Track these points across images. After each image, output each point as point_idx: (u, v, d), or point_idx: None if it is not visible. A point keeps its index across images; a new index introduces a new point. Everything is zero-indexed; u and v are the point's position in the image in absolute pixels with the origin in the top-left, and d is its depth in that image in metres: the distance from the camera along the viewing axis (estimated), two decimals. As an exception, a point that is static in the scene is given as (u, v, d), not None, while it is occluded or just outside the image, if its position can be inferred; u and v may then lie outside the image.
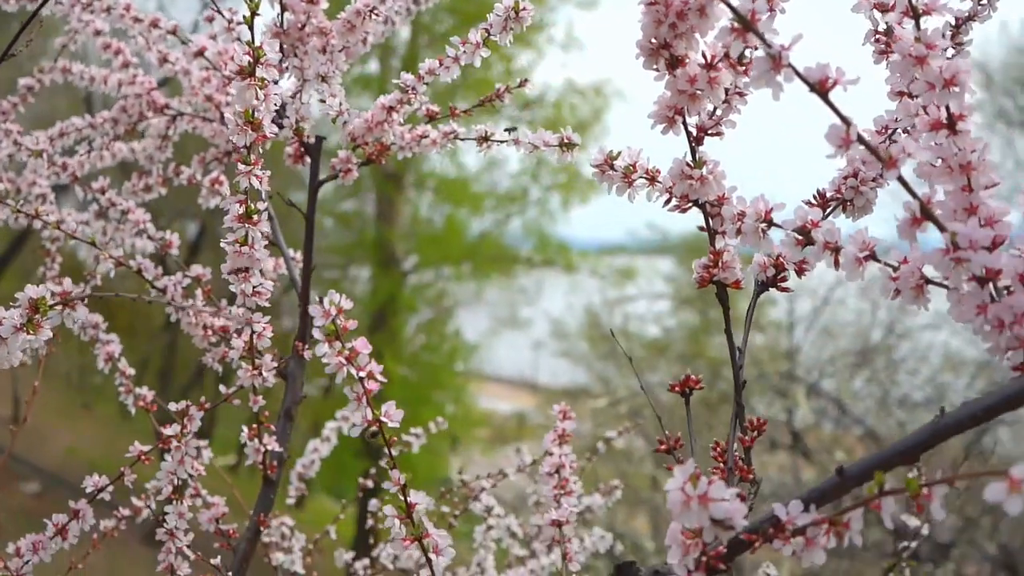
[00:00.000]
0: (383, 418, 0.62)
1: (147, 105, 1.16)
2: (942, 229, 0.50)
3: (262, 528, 0.97)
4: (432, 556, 0.63)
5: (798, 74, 0.49)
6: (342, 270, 11.18)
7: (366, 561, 1.30)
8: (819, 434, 6.62)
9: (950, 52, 0.71)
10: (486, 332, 11.66)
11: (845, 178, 0.67)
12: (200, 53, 1.02)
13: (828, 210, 0.67)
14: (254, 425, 0.94)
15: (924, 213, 0.50)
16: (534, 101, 10.52)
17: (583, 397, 8.59)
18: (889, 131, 0.68)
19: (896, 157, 0.49)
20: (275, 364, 0.90)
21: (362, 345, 0.61)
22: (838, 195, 0.67)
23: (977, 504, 6.31)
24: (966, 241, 0.49)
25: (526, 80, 0.97)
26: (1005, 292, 0.51)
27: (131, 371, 1.07)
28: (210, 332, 1.00)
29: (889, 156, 0.49)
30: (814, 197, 0.67)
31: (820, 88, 0.49)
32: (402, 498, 0.63)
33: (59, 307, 0.64)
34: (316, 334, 0.60)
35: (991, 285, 0.51)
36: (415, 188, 11.76)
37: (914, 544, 1.04)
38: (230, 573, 0.91)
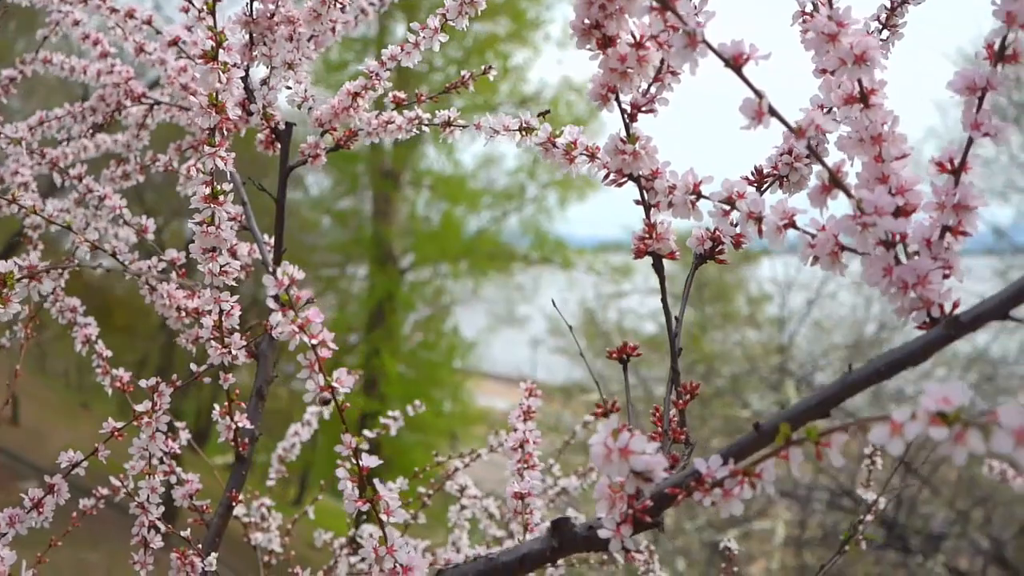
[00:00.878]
0: (335, 384, 0.64)
1: (125, 94, 1.19)
2: (850, 196, 0.53)
3: (234, 503, 1.00)
4: (383, 517, 0.66)
5: (713, 50, 0.52)
6: (340, 268, 11.22)
7: (342, 540, 1.34)
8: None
9: (885, 34, 0.74)
10: (483, 329, 11.69)
11: (781, 154, 0.70)
12: (174, 43, 1.05)
13: (765, 185, 0.70)
14: (225, 403, 0.97)
15: (833, 181, 0.53)
16: (531, 98, 10.55)
17: (579, 393, 8.61)
18: (825, 109, 0.71)
19: (805, 128, 0.52)
20: (244, 343, 0.92)
21: (314, 314, 0.64)
22: (775, 171, 0.70)
23: (968, 497, 6.35)
24: (871, 207, 0.52)
25: (490, 67, 0.99)
26: (916, 256, 0.54)
27: (108, 352, 1.10)
28: (183, 314, 1.03)
29: (799, 127, 0.52)
30: (751, 173, 0.70)
31: (734, 63, 0.52)
32: (354, 461, 0.66)
33: (26, 280, 0.67)
34: (270, 303, 0.63)
35: (898, 249, 0.54)
36: (412, 186, 11.79)
37: (869, 517, 1.07)
38: (200, 545, 0.94)
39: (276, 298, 0.63)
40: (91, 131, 1.19)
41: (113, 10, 1.10)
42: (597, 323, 9.94)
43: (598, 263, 10.58)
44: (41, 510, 0.92)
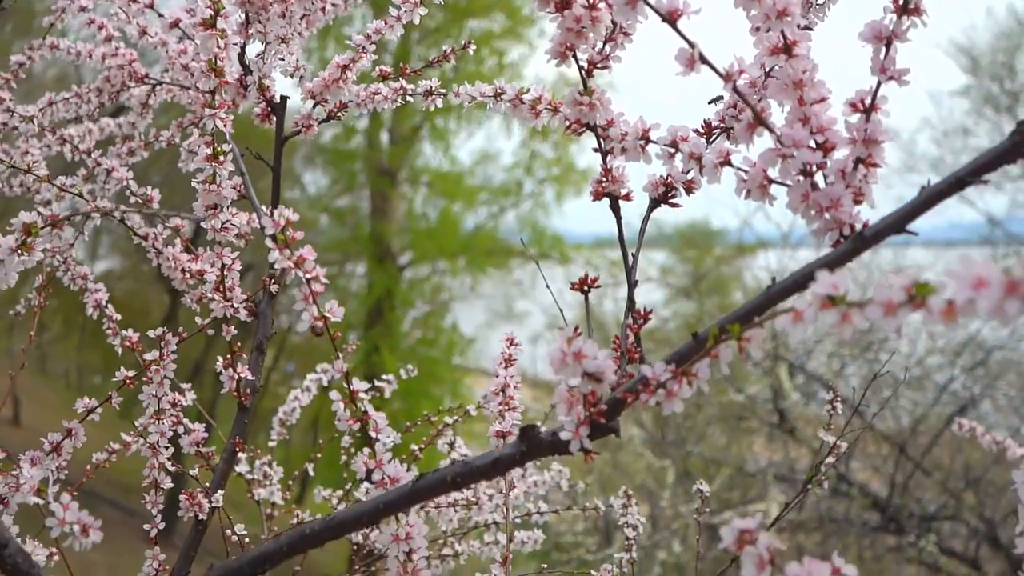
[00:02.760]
0: (327, 314, 0.72)
1: (129, 75, 1.27)
2: (772, 132, 0.60)
3: (238, 449, 1.07)
4: (373, 434, 0.74)
5: (650, 6, 0.59)
6: (339, 266, 11.29)
7: (340, 492, 1.41)
8: (807, 415, 6.74)
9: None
10: (482, 325, 11.76)
11: (727, 108, 0.78)
12: (175, 24, 1.13)
13: (713, 136, 0.78)
14: (228, 355, 1.05)
15: (757, 119, 0.61)
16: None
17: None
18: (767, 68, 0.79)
19: (731, 74, 0.60)
20: (245, 297, 1.00)
21: (308, 251, 0.72)
22: (722, 123, 0.78)
23: (961, 479, 6.44)
24: (790, 141, 0.60)
25: (470, 42, 1.07)
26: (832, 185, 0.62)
27: (118, 316, 1.17)
28: (188, 276, 1.10)
29: (727, 72, 0.60)
30: (701, 126, 0.78)
31: (670, 18, 0.60)
32: (346, 385, 0.74)
33: (48, 228, 0.74)
34: (268, 242, 0.70)
35: (818, 179, 0.61)
36: (409, 183, 11.86)
37: (831, 459, 1.14)
38: (208, 485, 1.02)
39: (274, 237, 0.70)
40: (97, 111, 1.26)
41: (118, -6, 1.18)
42: (594, 317, 10.01)
43: (596, 258, 10.65)
44: (60, 453, 0.99)
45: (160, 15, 1.17)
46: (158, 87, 1.28)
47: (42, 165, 1.34)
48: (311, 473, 1.53)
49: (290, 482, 1.45)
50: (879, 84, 0.61)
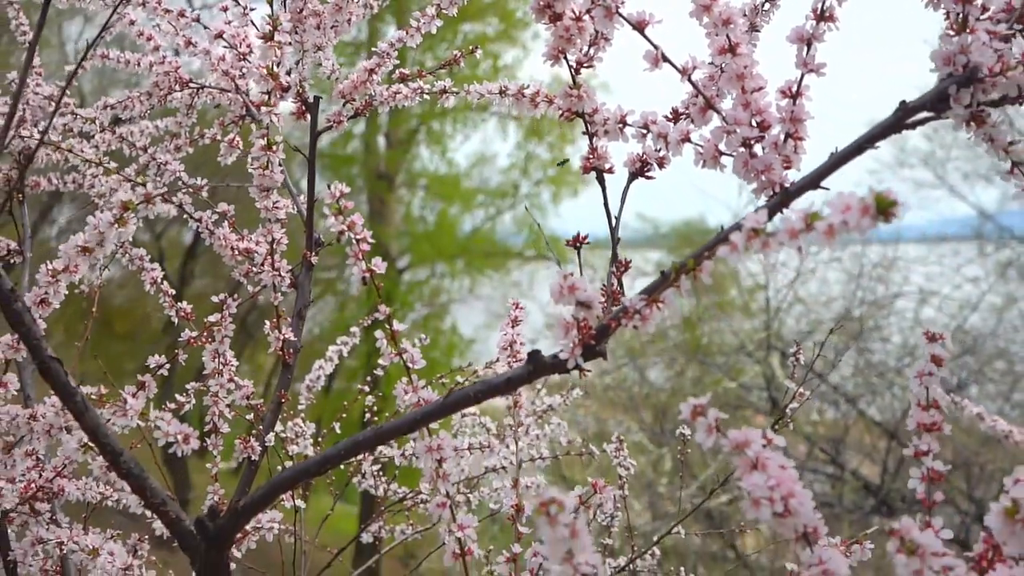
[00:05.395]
0: (373, 267, 0.90)
1: (174, 81, 1.44)
2: (719, 114, 0.78)
3: (282, 400, 1.25)
4: (409, 365, 0.91)
5: (624, 18, 0.77)
6: (338, 270, 11.46)
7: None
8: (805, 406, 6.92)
9: (767, 6, 0.99)
10: (481, 327, 11.93)
11: (688, 97, 0.95)
12: (219, 35, 1.30)
13: (680, 120, 0.95)
14: (274, 319, 1.22)
15: (707, 104, 0.79)
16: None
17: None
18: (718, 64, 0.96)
19: (687, 68, 0.78)
20: (290, 268, 1.18)
21: (358, 219, 0.89)
22: (686, 110, 0.95)
23: (949, 462, 6.62)
24: (734, 120, 0.78)
25: (476, 47, 1.25)
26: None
27: (172, 291, 1.35)
28: (236, 252, 1.28)
29: (684, 68, 0.78)
30: (670, 112, 0.96)
31: (639, 27, 0.78)
32: (388, 327, 0.91)
33: (143, 204, 0.92)
34: (325, 209, 0.88)
35: (755, 149, 0.79)
36: (407, 187, 12.04)
37: (795, 404, 1.31)
38: (262, 427, 1.19)
39: (330, 206, 0.88)
40: (149, 112, 1.44)
41: (167, 11, 1.35)
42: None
43: (593, 258, 10.81)
44: (138, 397, 1.16)
45: (205, 27, 1.35)
46: (201, 90, 1.45)
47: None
48: (338, 431, 1.71)
49: (320, 438, 1.63)
50: (802, 76, 0.79)
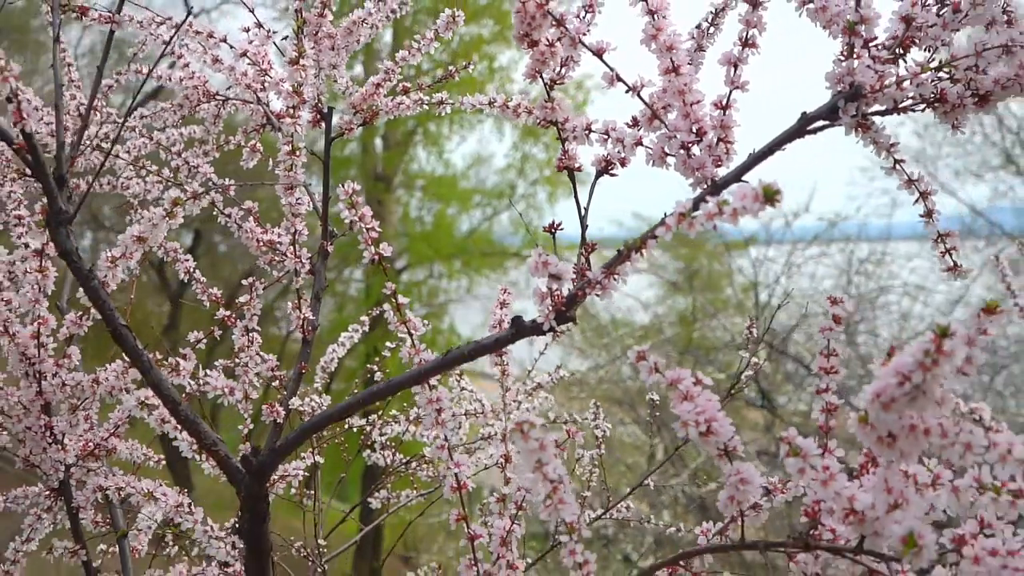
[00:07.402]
0: (381, 251, 1.08)
1: (203, 93, 1.63)
2: (663, 122, 0.97)
3: (303, 371, 1.44)
4: (412, 332, 1.10)
5: (586, 46, 0.96)
6: (337, 272, 11.64)
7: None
8: (787, 392, 7.12)
9: (711, 29, 1.18)
10: (479, 326, 12.10)
11: (642, 110, 1.14)
12: (244, 54, 1.49)
13: (637, 127, 1.14)
14: (295, 300, 1.41)
15: (653, 115, 0.98)
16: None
17: (575, 387, 9.04)
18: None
19: (637, 86, 0.96)
20: (310, 255, 1.37)
21: (367, 210, 1.08)
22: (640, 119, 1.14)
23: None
24: (675, 128, 0.96)
25: (468, 64, 1.44)
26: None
27: (203, 279, 1.53)
28: (260, 244, 1.46)
29: (634, 85, 0.97)
30: (630, 119, 1.14)
31: (598, 53, 0.96)
32: (395, 300, 1.10)
33: (190, 199, 1.10)
34: (340, 204, 1.06)
35: (693, 150, 0.98)
36: (404, 188, 12.22)
37: (749, 372, 1.50)
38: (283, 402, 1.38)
39: (344, 201, 1.07)
40: (181, 121, 1.63)
41: (197, 32, 1.54)
42: (590, 315, 10.35)
43: (590, 257, 10.97)
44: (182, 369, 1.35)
45: (231, 47, 1.53)
46: (226, 102, 1.64)
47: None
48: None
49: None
50: (730, 92, 0.98)
